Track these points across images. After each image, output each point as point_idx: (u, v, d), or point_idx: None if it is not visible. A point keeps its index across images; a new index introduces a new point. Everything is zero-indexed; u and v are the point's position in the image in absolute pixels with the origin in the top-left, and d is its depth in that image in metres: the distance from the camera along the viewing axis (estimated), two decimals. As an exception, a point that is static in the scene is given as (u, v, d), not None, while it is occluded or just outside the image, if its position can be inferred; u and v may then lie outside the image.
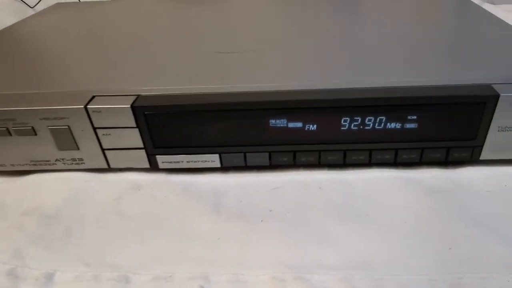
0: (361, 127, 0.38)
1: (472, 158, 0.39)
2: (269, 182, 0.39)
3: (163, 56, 0.46)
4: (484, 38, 0.48)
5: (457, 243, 0.32)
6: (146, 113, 0.36)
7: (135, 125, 0.37)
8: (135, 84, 0.38)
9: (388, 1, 0.62)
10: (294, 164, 0.40)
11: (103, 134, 0.38)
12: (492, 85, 0.36)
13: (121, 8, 0.65)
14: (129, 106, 0.36)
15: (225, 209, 0.37)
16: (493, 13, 0.65)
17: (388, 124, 0.38)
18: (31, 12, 0.78)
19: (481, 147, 0.39)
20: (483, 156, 0.39)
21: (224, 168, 0.41)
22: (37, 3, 0.81)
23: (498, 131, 0.37)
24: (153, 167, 0.40)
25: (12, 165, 0.40)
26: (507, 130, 0.37)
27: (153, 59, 0.45)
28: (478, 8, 0.54)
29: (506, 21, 0.50)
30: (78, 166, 0.40)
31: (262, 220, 0.35)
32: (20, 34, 0.55)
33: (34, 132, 0.37)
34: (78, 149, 0.39)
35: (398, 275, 0.30)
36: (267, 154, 0.39)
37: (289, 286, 0.29)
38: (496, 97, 0.35)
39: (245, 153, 0.39)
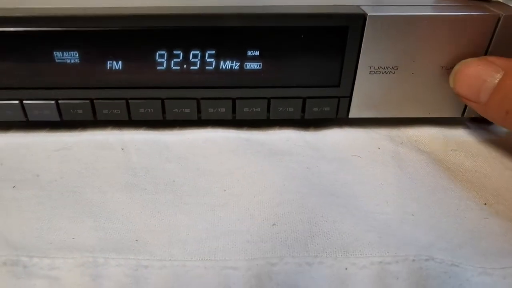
0: (184, 66, 0.27)
1: (338, 115, 0.29)
2: (57, 142, 0.28)
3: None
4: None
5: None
6: None
7: None
8: None
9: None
10: (95, 121, 0.28)
11: None
12: (361, 6, 0.26)
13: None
14: None
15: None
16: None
17: (222, 63, 0.27)
18: None
19: (348, 98, 0.28)
20: (353, 113, 0.29)
21: (7, 125, 0.29)
22: None
23: (370, 73, 0.27)
24: None
25: None
26: (382, 72, 0.27)
27: None
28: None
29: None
30: None
31: (14, 186, 0.24)
32: None
33: None
34: None
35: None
36: (54, 103, 0.28)
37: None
38: (362, 18, 0.25)
39: (21, 100, 0.28)
